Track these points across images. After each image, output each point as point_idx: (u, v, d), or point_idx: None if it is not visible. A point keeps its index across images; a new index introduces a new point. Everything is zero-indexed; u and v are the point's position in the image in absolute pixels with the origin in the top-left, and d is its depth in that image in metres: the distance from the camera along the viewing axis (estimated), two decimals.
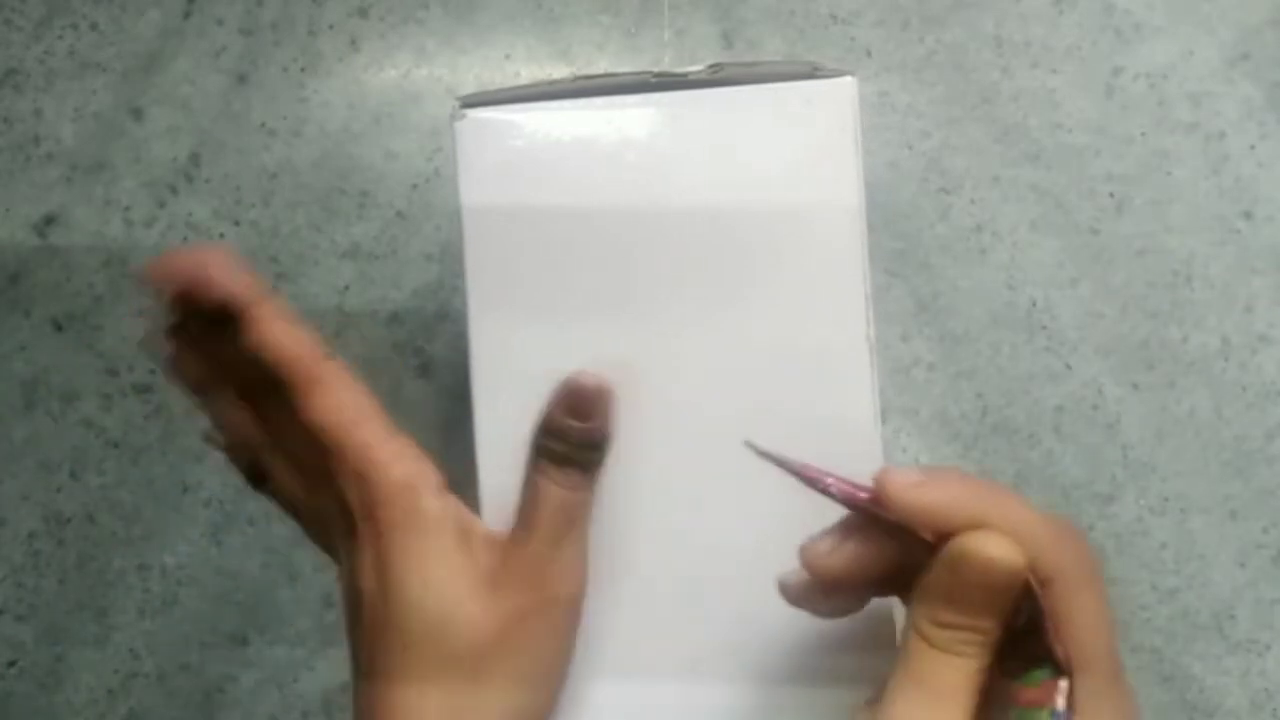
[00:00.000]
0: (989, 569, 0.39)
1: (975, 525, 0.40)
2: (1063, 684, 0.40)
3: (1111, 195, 0.71)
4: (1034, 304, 0.71)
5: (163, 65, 0.73)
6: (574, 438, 0.47)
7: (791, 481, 0.48)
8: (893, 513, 0.41)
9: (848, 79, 0.49)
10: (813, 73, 0.49)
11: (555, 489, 0.47)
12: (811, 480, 0.43)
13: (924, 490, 0.41)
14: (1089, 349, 0.70)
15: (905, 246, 0.71)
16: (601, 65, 0.73)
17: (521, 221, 0.50)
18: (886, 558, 0.43)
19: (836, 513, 0.48)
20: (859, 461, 0.50)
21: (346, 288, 0.72)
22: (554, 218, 0.50)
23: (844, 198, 0.49)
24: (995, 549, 0.39)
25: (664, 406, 0.50)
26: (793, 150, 0.49)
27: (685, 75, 0.49)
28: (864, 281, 0.49)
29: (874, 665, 0.51)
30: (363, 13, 0.73)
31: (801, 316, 0.49)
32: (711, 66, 0.49)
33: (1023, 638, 0.40)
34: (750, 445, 0.44)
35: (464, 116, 0.50)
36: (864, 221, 0.49)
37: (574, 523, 0.48)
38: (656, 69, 0.50)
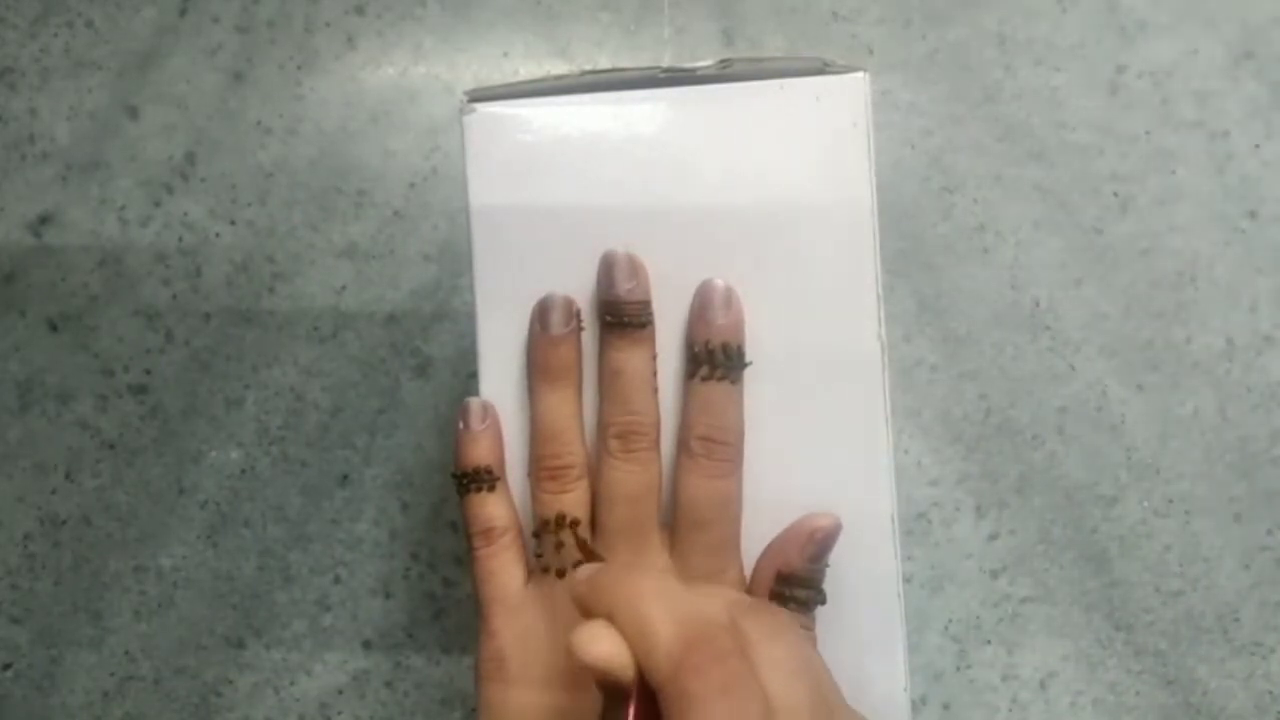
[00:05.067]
0: (583, 663, 0.39)
1: (606, 615, 0.40)
2: None
3: (1115, 194, 0.70)
4: (1037, 304, 0.70)
5: (158, 63, 0.73)
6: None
7: (794, 477, 0.48)
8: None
9: (859, 74, 0.49)
10: (823, 68, 0.49)
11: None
12: None
13: (582, 579, 0.42)
14: (1092, 350, 0.70)
15: (907, 246, 0.71)
16: (601, 63, 0.73)
17: (529, 216, 0.50)
18: None
19: (838, 502, 0.48)
20: (867, 461, 0.50)
21: (344, 287, 0.71)
22: (561, 213, 0.50)
23: (855, 194, 0.49)
24: (592, 646, 0.39)
25: (672, 405, 0.50)
26: (803, 146, 0.49)
27: (694, 70, 0.49)
28: (875, 279, 0.49)
29: (876, 668, 0.51)
30: (360, 10, 0.73)
31: (812, 314, 0.49)
32: (721, 61, 0.49)
33: None
34: None
35: (472, 111, 0.49)
36: (875, 218, 0.49)
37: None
38: (664, 64, 0.49)
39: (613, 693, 0.39)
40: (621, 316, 0.49)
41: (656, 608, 0.39)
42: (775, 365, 0.49)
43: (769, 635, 0.40)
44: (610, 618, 0.39)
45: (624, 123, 0.49)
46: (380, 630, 0.71)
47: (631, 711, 0.39)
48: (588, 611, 0.41)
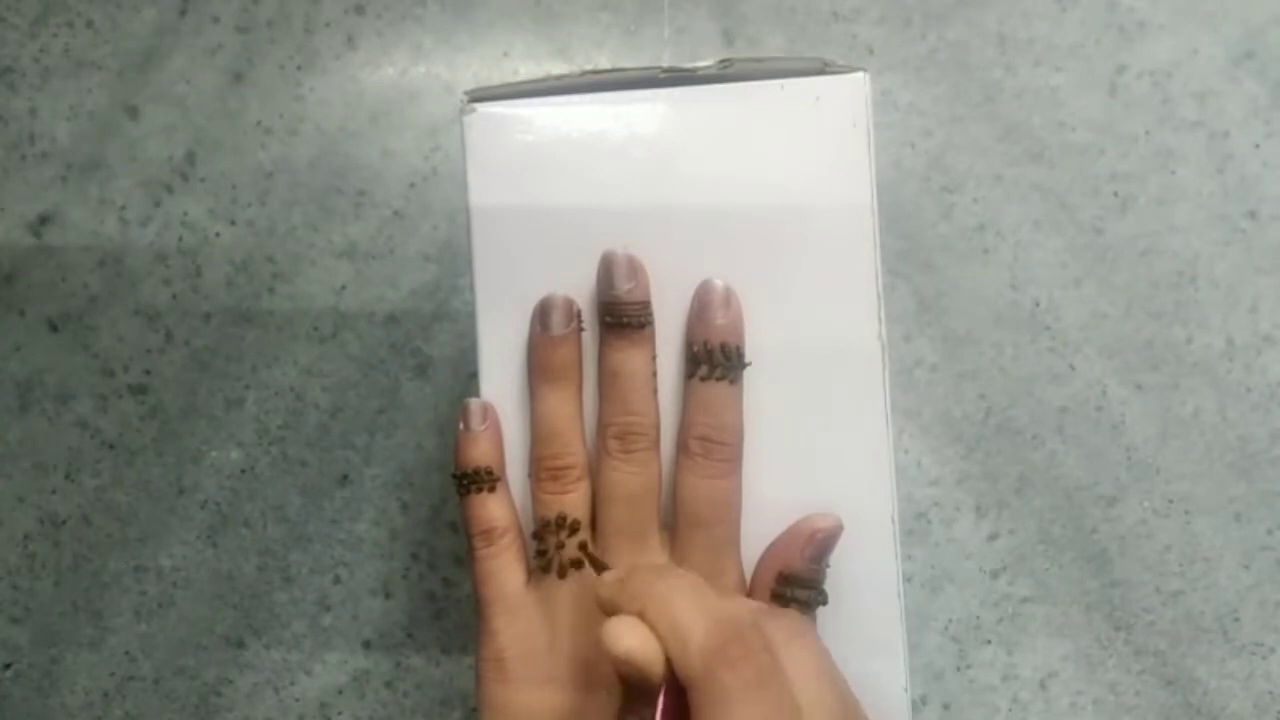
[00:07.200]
0: (614, 655, 0.39)
1: (637, 613, 0.40)
2: None
3: (1115, 194, 0.70)
4: (1037, 304, 0.70)
5: (158, 63, 0.73)
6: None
7: (794, 477, 0.48)
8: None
9: (859, 74, 0.49)
10: (823, 68, 0.49)
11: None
12: None
13: (609, 581, 0.42)
14: (1092, 350, 0.70)
15: (907, 246, 0.71)
16: (601, 63, 0.73)
17: (529, 216, 0.50)
18: None
19: (838, 502, 0.48)
20: (867, 461, 0.50)
21: (343, 287, 0.71)
22: (562, 213, 0.49)
23: (855, 194, 0.49)
24: (623, 639, 0.39)
25: (672, 405, 0.50)
26: (803, 146, 0.49)
27: (694, 70, 0.49)
28: (875, 279, 0.49)
29: (876, 668, 0.50)
30: (360, 10, 0.73)
31: (812, 314, 0.49)
32: (721, 61, 0.49)
33: None
34: None
35: (472, 110, 0.49)
36: (875, 218, 0.49)
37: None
38: (664, 64, 0.49)
39: (637, 688, 0.40)
40: (621, 317, 0.49)
41: (689, 605, 0.40)
42: (775, 365, 0.49)
43: (792, 638, 0.40)
44: (641, 616, 0.40)
45: (624, 123, 0.49)
46: (380, 630, 0.71)
47: (661, 705, 0.39)
48: (616, 611, 0.41)
